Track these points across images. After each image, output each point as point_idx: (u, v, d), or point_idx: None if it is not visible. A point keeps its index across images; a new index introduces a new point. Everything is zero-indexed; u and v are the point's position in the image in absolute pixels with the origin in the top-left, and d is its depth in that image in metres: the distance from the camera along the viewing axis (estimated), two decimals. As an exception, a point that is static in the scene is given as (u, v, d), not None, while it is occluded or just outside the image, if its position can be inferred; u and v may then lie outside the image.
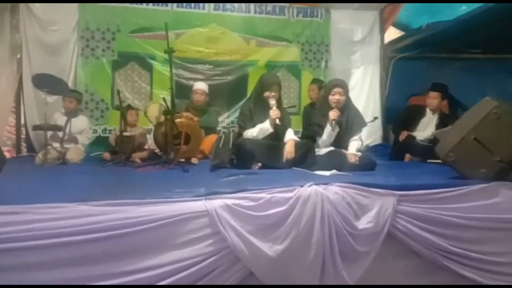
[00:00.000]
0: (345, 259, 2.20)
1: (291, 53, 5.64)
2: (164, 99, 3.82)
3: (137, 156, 4.17)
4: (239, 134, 3.61)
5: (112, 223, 1.94)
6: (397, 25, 6.17)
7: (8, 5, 4.72)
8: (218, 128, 5.09)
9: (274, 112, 3.34)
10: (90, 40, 5.15)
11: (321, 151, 3.53)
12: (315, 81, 5.17)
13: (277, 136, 3.50)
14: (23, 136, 5.04)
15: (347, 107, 3.55)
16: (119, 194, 2.13)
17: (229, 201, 2.11)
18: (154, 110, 4.16)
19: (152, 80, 5.30)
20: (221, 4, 5.39)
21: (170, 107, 3.72)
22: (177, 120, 3.92)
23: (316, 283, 2.16)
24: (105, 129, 5.18)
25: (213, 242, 2.06)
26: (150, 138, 4.61)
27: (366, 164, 3.33)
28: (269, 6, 5.52)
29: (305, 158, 3.33)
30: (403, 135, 4.47)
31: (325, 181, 2.38)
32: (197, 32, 5.36)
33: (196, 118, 4.44)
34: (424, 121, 4.66)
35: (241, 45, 5.49)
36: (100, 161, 4.11)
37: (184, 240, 2.03)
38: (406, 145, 4.44)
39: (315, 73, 5.67)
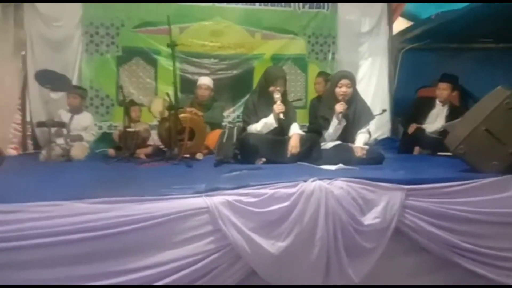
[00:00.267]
0: (350, 256, 2.13)
1: (297, 46, 5.54)
2: (167, 94, 3.78)
3: (141, 152, 4.14)
4: (243, 129, 3.54)
5: (109, 221, 1.89)
6: (406, 15, 6.07)
7: (12, 1, 4.70)
8: (224, 123, 5.04)
9: (278, 107, 3.26)
10: (94, 36, 5.12)
11: (327, 145, 3.45)
12: (321, 73, 5.07)
13: (281, 130, 3.43)
14: (29, 133, 5.03)
15: (354, 100, 3.46)
16: (118, 191, 2.09)
17: (230, 197, 2.05)
18: (157, 105, 4.10)
19: (157, 75, 5.26)
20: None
21: (173, 102, 3.66)
22: (181, 115, 3.87)
23: (321, 281, 2.09)
24: (110, 126, 5.15)
25: (214, 239, 2.00)
26: (154, 134, 4.56)
27: (373, 157, 3.25)
28: (275, -3, 5.41)
29: (310, 152, 3.26)
30: (412, 128, 4.37)
31: (330, 176, 2.30)
32: (202, 25, 5.29)
33: (200, 113, 4.39)
34: (433, 113, 4.55)
35: (246, 38, 5.40)
36: (105, 157, 4.08)
37: (184, 238, 1.98)
38: (415, 137, 4.35)
39: (322, 65, 5.56)
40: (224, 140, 3.45)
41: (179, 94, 5.09)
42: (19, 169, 3.21)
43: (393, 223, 2.20)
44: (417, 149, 4.31)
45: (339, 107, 3.32)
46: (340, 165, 2.95)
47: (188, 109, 4.30)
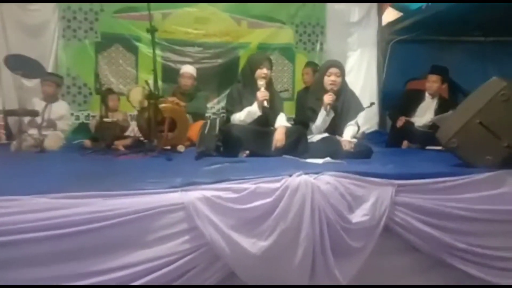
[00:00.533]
0: (337, 256, 1.98)
1: (284, 35, 5.42)
2: (147, 82, 3.59)
3: (120, 144, 3.94)
4: (227, 120, 3.38)
5: (74, 218, 1.71)
6: (396, 6, 5.94)
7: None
8: (207, 114, 4.90)
9: (261, 94, 3.10)
10: (72, 21, 4.94)
11: (314, 137, 3.31)
12: (309, 64, 4.93)
13: (267, 120, 3.28)
14: (1, 123, 4.78)
15: (343, 90, 3.32)
16: (87, 185, 1.91)
17: (208, 193, 1.88)
18: (136, 94, 3.89)
19: (138, 63, 5.09)
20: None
21: (153, 90, 3.48)
22: (162, 105, 3.69)
23: (306, 282, 1.94)
24: (88, 115, 4.98)
25: (190, 238, 1.84)
26: (135, 124, 4.37)
27: (361, 151, 3.12)
28: (262, -16, 5.25)
29: (297, 145, 3.11)
30: (401, 121, 4.27)
31: (317, 170, 2.15)
32: (185, 12, 5.13)
33: (183, 103, 4.23)
34: (422, 106, 4.47)
35: (232, 26, 5.26)
36: (80, 149, 3.88)
37: (157, 236, 1.81)
38: (404, 131, 4.26)
39: (310, 56, 5.45)
40: (206, 131, 3.28)
41: (160, 83, 4.98)
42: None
43: (383, 220, 2.06)
44: (405, 143, 4.23)
45: (328, 98, 3.18)
46: (327, 159, 2.81)
47: (170, 98, 4.17)
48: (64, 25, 4.89)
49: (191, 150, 3.54)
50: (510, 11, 4.50)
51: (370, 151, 3.16)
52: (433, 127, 4.12)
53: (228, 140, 3.08)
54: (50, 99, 4.16)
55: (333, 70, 3.24)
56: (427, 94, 4.45)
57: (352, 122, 3.37)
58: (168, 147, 3.66)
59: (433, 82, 4.34)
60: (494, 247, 2.18)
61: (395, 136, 4.36)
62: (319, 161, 2.76)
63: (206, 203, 1.86)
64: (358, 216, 2.02)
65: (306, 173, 2.04)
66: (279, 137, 3.11)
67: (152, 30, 3.47)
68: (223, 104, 5.13)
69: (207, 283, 1.87)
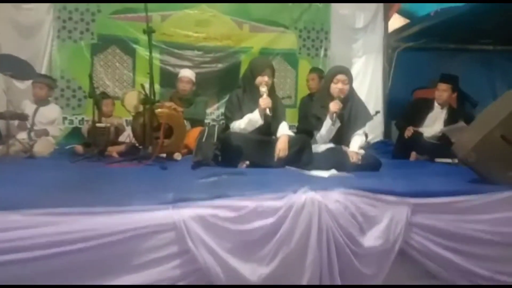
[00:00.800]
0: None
1: (287, 40, 5.27)
2: (142, 86, 3.41)
3: (114, 150, 3.78)
4: (226, 127, 3.18)
5: (49, 238, 1.50)
6: (403, 13, 5.87)
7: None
8: (207, 121, 4.73)
9: (264, 101, 2.91)
10: (68, 21, 4.79)
11: (319, 147, 3.11)
12: (315, 70, 4.78)
13: (268, 129, 3.09)
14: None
15: (350, 98, 3.12)
16: (68, 199, 1.69)
17: (203, 211, 1.67)
18: (131, 98, 3.71)
19: (135, 66, 4.93)
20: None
21: (149, 95, 3.28)
22: (158, 111, 3.51)
23: (311, 314, 1.73)
24: (82, 120, 4.81)
25: (181, 263, 1.62)
26: (130, 130, 4.18)
27: (369, 163, 2.93)
28: (265, -13, 5.11)
29: (300, 155, 2.92)
30: (409, 131, 4.07)
31: (323, 185, 1.94)
32: (185, 14, 4.98)
33: (180, 109, 4.06)
34: (431, 116, 4.28)
35: (234, 30, 5.11)
36: (72, 155, 3.69)
37: (144, 260, 1.59)
38: (412, 142, 4.07)
39: (313, 62, 5.31)
40: (204, 139, 3.08)
41: (158, 87, 4.83)
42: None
43: (398, 244, 1.85)
44: (413, 155, 4.04)
45: (334, 106, 2.98)
46: (333, 171, 2.62)
47: (167, 103, 3.99)
48: (59, 26, 4.74)
49: (188, 158, 3.37)
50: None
51: (378, 164, 2.97)
52: (442, 138, 3.97)
53: (227, 149, 2.89)
54: (41, 102, 3.99)
55: (340, 77, 3.05)
56: (436, 104, 4.26)
57: (360, 131, 3.18)
58: (164, 155, 3.48)
59: (443, 91, 4.15)
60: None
61: (402, 147, 4.19)
62: (325, 173, 2.56)
63: (200, 223, 1.64)
64: (371, 239, 1.81)
65: (312, 189, 1.83)
66: (281, 147, 2.91)
67: (149, 31, 3.31)
68: (222, 110, 4.94)
69: (199, 312, 1.66)
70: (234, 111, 3.07)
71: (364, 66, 5.50)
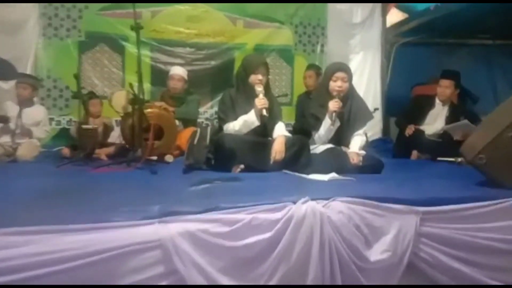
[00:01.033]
0: (352, 303, 1.61)
1: (283, 36, 5.10)
2: (131, 85, 3.23)
3: (102, 152, 3.60)
4: (220, 128, 3.01)
5: (17, 261, 1.33)
6: (401, 7, 5.70)
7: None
8: (200, 120, 4.59)
9: (260, 101, 2.74)
10: (53, 18, 4.60)
11: (317, 148, 2.95)
12: (312, 67, 4.65)
13: (264, 130, 2.92)
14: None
15: (350, 96, 2.97)
16: (42, 214, 1.53)
17: (192, 226, 1.50)
18: (120, 98, 3.54)
19: (125, 64, 4.74)
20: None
21: (137, 94, 3.12)
22: (147, 111, 3.34)
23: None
24: (70, 120, 4.61)
25: (168, 284, 1.46)
26: (118, 130, 4.01)
27: (371, 165, 2.78)
28: (259, -18, 4.94)
29: (298, 158, 2.75)
30: (410, 129, 3.93)
31: (324, 193, 1.78)
32: (177, 10, 4.79)
33: (171, 108, 3.88)
34: (433, 113, 4.13)
35: (227, 25, 4.93)
36: (59, 158, 3.52)
37: (127, 282, 1.43)
38: (413, 140, 3.91)
39: (310, 58, 5.14)
40: (195, 142, 2.91)
41: (149, 86, 4.66)
42: None
43: (406, 257, 1.70)
44: (415, 154, 3.90)
45: (333, 105, 2.81)
46: (334, 175, 2.47)
47: (157, 103, 3.81)
48: (45, 23, 4.55)
49: (180, 160, 3.21)
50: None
51: (381, 165, 2.82)
52: (444, 136, 3.84)
53: (220, 152, 2.73)
54: (25, 103, 3.78)
55: (339, 74, 2.89)
56: (437, 101, 4.11)
57: (360, 131, 3.03)
58: (155, 157, 3.31)
59: (445, 88, 3.99)
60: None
61: (403, 145, 4.04)
62: (325, 177, 2.42)
63: (189, 239, 1.48)
64: (377, 252, 1.65)
65: (313, 199, 1.67)
66: (278, 149, 2.75)
67: (137, 28, 3.17)
68: (216, 109, 4.79)
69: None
70: (227, 112, 2.90)
71: (362, 62, 5.36)
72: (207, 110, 4.94)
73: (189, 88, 4.31)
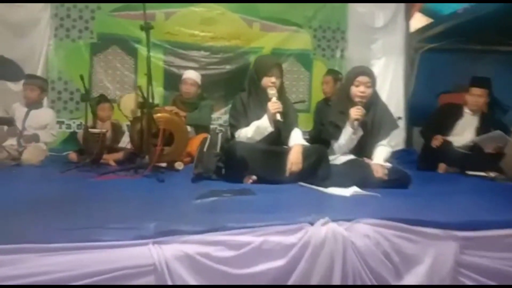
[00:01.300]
0: None
1: (301, 40, 4.93)
2: (140, 88, 3.07)
3: (111, 158, 3.49)
4: (231, 136, 2.81)
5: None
6: (425, 11, 5.46)
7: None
8: (213, 126, 4.45)
9: (274, 105, 2.54)
10: (65, 19, 4.52)
11: (338, 159, 2.72)
12: (330, 72, 4.45)
13: (279, 137, 2.70)
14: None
15: (373, 103, 2.73)
16: (26, 231, 1.34)
17: (191, 248, 1.29)
18: (128, 102, 3.44)
19: (137, 67, 4.63)
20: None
21: (147, 98, 2.97)
22: (157, 115, 3.19)
23: None
24: (80, 124, 4.49)
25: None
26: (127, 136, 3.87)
27: (397, 179, 2.53)
28: (277, -17, 4.79)
29: (316, 169, 2.53)
30: (437, 140, 3.68)
31: (347, 212, 1.55)
32: (191, 11, 4.67)
33: (183, 113, 3.74)
34: (461, 123, 3.87)
35: (243, 28, 4.79)
36: (66, 162, 3.40)
37: (114, 314, 1.23)
38: (441, 152, 3.66)
39: (329, 63, 4.96)
40: (205, 149, 2.72)
41: (162, 90, 4.53)
42: None
43: (444, 291, 1.45)
44: (442, 166, 3.64)
45: (355, 112, 2.58)
46: (355, 189, 2.23)
47: (168, 107, 3.71)
48: (57, 24, 4.47)
49: (191, 168, 3.00)
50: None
51: (408, 179, 2.57)
52: (474, 148, 3.57)
53: (231, 161, 2.53)
54: (33, 105, 3.69)
55: (362, 78, 2.66)
56: (466, 110, 3.85)
57: (384, 141, 2.80)
58: (164, 164, 3.18)
59: (478, 97, 3.73)
60: None
61: (428, 157, 3.79)
62: (346, 192, 2.19)
63: (187, 264, 1.27)
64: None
65: (334, 220, 1.44)
66: (294, 159, 2.53)
67: (146, 28, 3.03)
68: (231, 114, 4.66)
69: None
70: (239, 118, 2.70)
71: (384, 69, 5.12)
72: (221, 116, 4.78)
73: (203, 93, 4.16)
